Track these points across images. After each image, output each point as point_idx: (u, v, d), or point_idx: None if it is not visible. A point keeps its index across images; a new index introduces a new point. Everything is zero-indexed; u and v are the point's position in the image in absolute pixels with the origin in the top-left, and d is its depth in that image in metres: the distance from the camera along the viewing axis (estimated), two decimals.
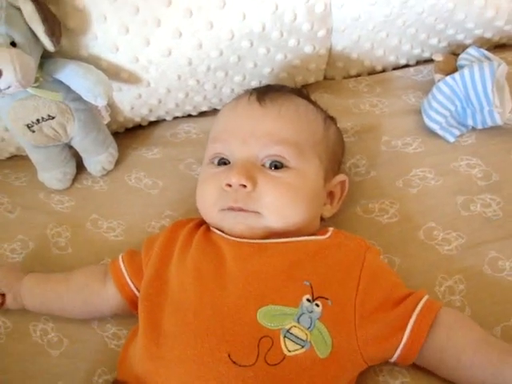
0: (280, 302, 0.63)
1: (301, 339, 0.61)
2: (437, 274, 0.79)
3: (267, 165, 0.73)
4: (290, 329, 0.61)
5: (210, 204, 0.75)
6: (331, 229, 0.74)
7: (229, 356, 0.59)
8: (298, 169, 0.73)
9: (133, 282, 0.77)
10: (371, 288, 0.67)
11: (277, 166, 0.73)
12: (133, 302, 0.76)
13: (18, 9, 0.75)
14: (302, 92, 0.88)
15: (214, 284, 0.66)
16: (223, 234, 0.73)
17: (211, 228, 0.76)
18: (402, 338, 0.64)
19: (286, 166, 0.73)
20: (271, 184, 0.71)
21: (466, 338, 0.66)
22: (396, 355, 0.66)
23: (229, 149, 0.75)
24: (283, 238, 0.72)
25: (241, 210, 0.71)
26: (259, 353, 0.60)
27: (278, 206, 0.71)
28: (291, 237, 0.73)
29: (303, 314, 0.62)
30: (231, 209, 0.72)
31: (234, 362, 0.59)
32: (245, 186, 0.70)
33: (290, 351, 0.60)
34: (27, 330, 0.82)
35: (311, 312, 0.63)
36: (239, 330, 0.61)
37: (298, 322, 0.62)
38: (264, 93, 0.80)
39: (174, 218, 0.90)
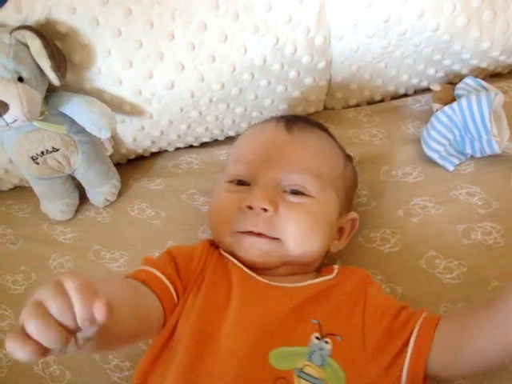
0: (290, 342, 0.63)
1: (314, 377, 0.60)
2: (440, 303, 0.79)
3: (288, 191, 0.73)
4: (302, 368, 0.61)
5: (225, 223, 0.73)
6: (336, 266, 0.74)
7: None
8: (318, 198, 0.73)
9: (172, 284, 0.66)
10: (377, 319, 0.66)
11: (297, 193, 0.73)
12: (169, 309, 0.66)
13: (26, 45, 0.77)
14: (326, 129, 0.89)
15: (229, 320, 0.64)
16: (238, 263, 0.70)
17: (222, 252, 0.73)
18: (405, 359, 0.63)
19: (306, 194, 0.73)
20: (292, 210, 0.71)
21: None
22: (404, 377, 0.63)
23: (252, 171, 0.75)
24: (294, 270, 0.72)
25: (260, 235, 0.70)
26: None
27: (298, 232, 0.71)
28: (301, 270, 0.73)
29: (314, 352, 0.62)
30: (250, 233, 0.71)
31: None
32: (266, 210, 0.70)
33: None
34: (29, 363, 0.81)
35: (322, 349, 0.62)
36: (253, 372, 0.60)
37: (310, 360, 0.61)
38: (292, 121, 0.81)
39: None
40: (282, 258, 0.71)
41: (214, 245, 0.77)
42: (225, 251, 0.74)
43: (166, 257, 0.71)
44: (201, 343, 0.63)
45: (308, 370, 0.61)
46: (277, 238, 0.71)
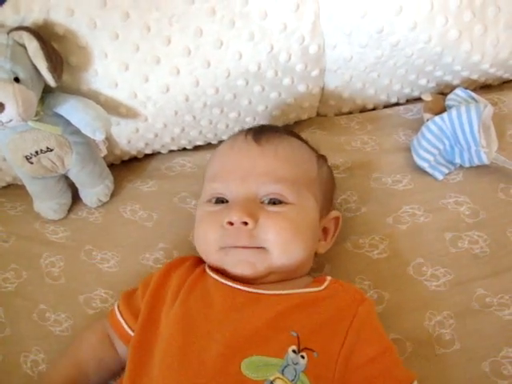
0: (265, 352, 0.62)
1: None
2: (426, 310, 0.80)
3: (266, 202, 0.74)
4: (273, 380, 0.60)
5: (210, 243, 0.74)
6: (329, 278, 0.74)
7: None
8: (296, 204, 0.74)
9: (133, 331, 0.74)
10: (357, 345, 0.65)
11: (275, 202, 0.74)
12: None
13: (23, 46, 0.77)
14: (295, 133, 0.90)
15: (201, 332, 0.65)
16: (218, 278, 0.72)
17: (207, 270, 0.75)
18: None
19: (285, 202, 0.74)
20: (272, 219, 0.72)
21: None
22: None
23: (227, 187, 0.76)
24: (283, 276, 0.73)
25: (245, 247, 0.71)
26: None
27: (281, 240, 0.71)
28: (290, 275, 0.74)
29: (288, 365, 0.61)
30: (234, 248, 0.72)
31: None
32: (246, 224, 0.70)
33: None
34: (18, 361, 0.82)
35: (296, 364, 0.61)
36: (223, 381, 0.60)
37: (283, 373, 0.60)
38: (260, 132, 0.81)
39: (168, 251, 0.91)
40: (270, 266, 0.72)
41: (197, 263, 0.78)
42: (213, 268, 0.75)
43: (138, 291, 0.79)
44: (174, 356, 0.64)
45: (279, 382, 0.60)
46: (261, 247, 0.72)
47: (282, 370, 0.61)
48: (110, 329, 0.77)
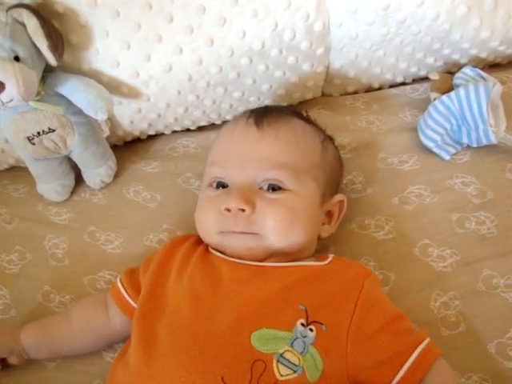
0: (274, 325, 0.63)
1: (293, 364, 0.60)
2: (431, 291, 0.80)
3: (265, 188, 0.74)
4: (283, 353, 0.61)
5: (209, 228, 0.75)
6: (331, 255, 0.74)
7: (222, 379, 0.59)
8: (295, 191, 0.74)
9: (135, 302, 0.76)
10: (366, 317, 0.66)
11: (274, 188, 0.74)
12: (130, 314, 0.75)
13: (23, 24, 0.76)
14: (301, 113, 0.88)
15: (209, 305, 0.66)
16: (222, 256, 0.73)
17: (210, 249, 0.76)
18: (393, 378, 0.63)
19: (283, 189, 0.74)
20: (270, 206, 0.72)
21: None
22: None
23: (226, 173, 0.76)
24: (283, 259, 0.73)
25: (242, 233, 0.72)
26: (252, 377, 0.59)
27: (278, 227, 0.71)
28: (291, 258, 0.73)
29: (297, 338, 0.62)
30: (232, 232, 0.73)
31: None
32: (243, 210, 0.71)
33: (282, 375, 0.60)
34: None
35: (305, 337, 0.62)
36: (233, 352, 0.61)
37: (292, 346, 0.61)
38: (262, 115, 0.80)
39: (172, 232, 0.91)
40: (267, 249, 0.72)
41: (197, 242, 0.79)
42: (213, 249, 0.76)
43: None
44: (182, 330, 0.65)
45: (288, 355, 0.61)
46: (258, 234, 0.72)
47: (291, 343, 0.62)
48: (110, 297, 0.79)
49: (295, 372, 0.60)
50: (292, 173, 0.74)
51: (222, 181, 0.77)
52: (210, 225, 0.75)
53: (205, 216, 0.76)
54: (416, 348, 0.64)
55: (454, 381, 0.68)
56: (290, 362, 0.61)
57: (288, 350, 0.61)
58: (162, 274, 0.74)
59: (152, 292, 0.72)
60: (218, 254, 0.74)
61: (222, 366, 0.60)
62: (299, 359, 0.61)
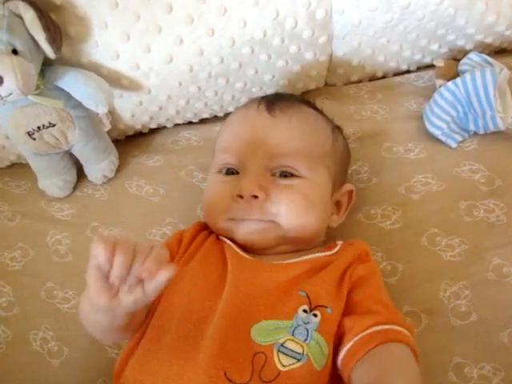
0: (273, 316, 0.61)
1: (296, 352, 0.59)
2: (440, 281, 0.78)
3: (277, 174, 0.73)
4: (284, 343, 0.59)
5: (218, 213, 0.74)
6: (340, 243, 0.73)
7: (225, 374, 0.57)
8: (308, 178, 0.73)
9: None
10: (357, 293, 0.65)
11: (286, 175, 0.73)
12: None
13: (20, 17, 0.75)
14: (310, 102, 0.87)
15: (215, 296, 0.65)
16: (233, 245, 0.71)
17: (220, 237, 0.74)
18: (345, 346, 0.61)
19: (296, 176, 0.73)
20: (283, 193, 0.71)
21: None
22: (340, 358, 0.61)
23: (239, 159, 0.75)
24: (293, 247, 0.72)
25: (254, 220, 0.71)
26: (253, 370, 0.57)
27: (292, 213, 0.70)
28: (301, 247, 0.72)
29: (298, 326, 0.60)
30: (245, 219, 0.71)
31: (230, 380, 0.57)
32: (257, 197, 0.70)
33: (284, 366, 0.58)
34: (27, 339, 0.82)
35: (307, 323, 0.61)
36: (234, 346, 0.59)
37: (293, 334, 0.60)
38: (273, 102, 0.79)
39: (175, 226, 0.90)
40: (280, 237, 0.71)
41: (207, 229, 0.77)
42: (221, 235, 0.75)
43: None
44: (188, 322, 0.63)
45: (289, 344, 0.59)
46: (272, 221, 0.71)
47: (293, 331, 0.60)
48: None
49: (299, 360, 0.58)
50: (305, 160, 0.73)
51: (233, 167, 0.75)
52: (220, 210, 0.73)
53: (215, 201, 0.74)
54: (390, 325, 0.60)
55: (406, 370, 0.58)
56: (292, 350, 0.59)
57: (289, 339, 0.59)
58: (184, 255, 0.72)
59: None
60: (229, 242, 0.72)
61: (224, 361, 0.58)
62: (302, 347, 0.59)
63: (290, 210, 0.70)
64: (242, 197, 0.70)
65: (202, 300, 0.65)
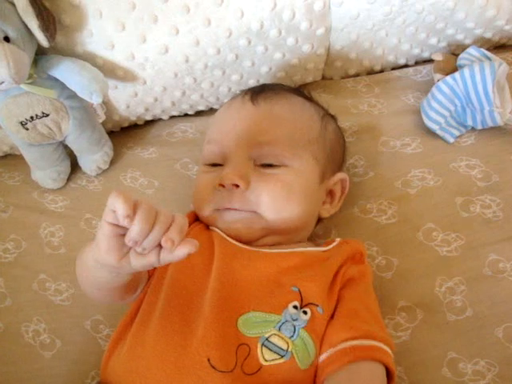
0: (262, 308, 0.61)
1: (280, 348, 0.58)
2: (436, 276, 0.78)
3: (260, 164, 0.73)
4: (269, 337, 0.59)
5: (204, 204, 0.74)
6: (338, 240, 0.72)
7: (208, 361, 0.57)
8: (291, 166, 0.73)
9: None
10: (348, 294, 0.65)
11: (270, 164, 0.73)
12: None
13: (12, 3, 0.73)
14: (300, 90, 0.87)
15: (201, 284, 0.64)
16: (222, 233, 0.71)
17: (211, 227, 0.74)
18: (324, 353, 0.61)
19: (279, 165, 0.73)
20: (264, 181, 0.71)
21: None
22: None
23: (222, 150, 0.75)
24: (280, 238, 0.71)
25: (236, 210, 0.71)
26: (237, 360, 0.57)
27: (273, 202, 0.70)
28: (288, 237, 0.72)
29: (286, 321, 0.60)
30: (227, 209, 0.71)
31: (213, 367, 0.57)
32: (237, 186, 0.70)
33: (266, 360, 0.58)
34: (19, 331, 0.81)
35: (295, 320, 0.60)
36: (219, 334, 0.58)
37: (280, 330, 0.59)
38: (258, 92, 0.79)
39: None
40: (264, 227, 0.71)
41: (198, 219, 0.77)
42: (210, 225, 0.75)
43: None
44: (174, 307, 0.63)
45: (274, 339, 0.59)
46: (254, 211, 0.70)
47: (279, 327, 0.60)
48: None
49: (282, 357, 0.58)
50: (287, 148, 0.73)
51: (218, 158, 0.76)
52: (205, 201, 0.74)
53: (200, 193, 0.76)
54: (368, 340, 0.60)
55: None
56: (276, 346, 0.58)
57: (275, 334, 0.59)
58: None
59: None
60: (218, 231, 0.72)
61: (208, 348, 0.58)
62: (287, 343, 0.59)
63: (270, 200, 0.70)
64: (223, 186, 0.71)
65: (188, 285, 0.65)
